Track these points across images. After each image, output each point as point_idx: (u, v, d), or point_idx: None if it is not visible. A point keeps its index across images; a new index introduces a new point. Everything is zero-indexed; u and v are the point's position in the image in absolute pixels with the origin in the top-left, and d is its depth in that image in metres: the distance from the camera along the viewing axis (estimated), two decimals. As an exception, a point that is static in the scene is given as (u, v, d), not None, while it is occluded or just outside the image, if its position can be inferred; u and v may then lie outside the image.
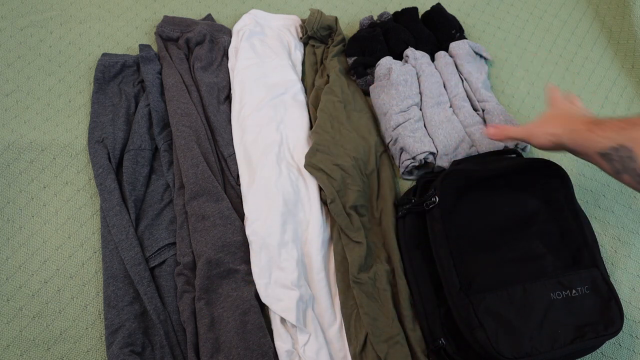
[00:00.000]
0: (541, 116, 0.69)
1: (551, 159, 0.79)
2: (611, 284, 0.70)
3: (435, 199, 0.73)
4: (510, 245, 0.72)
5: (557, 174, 0.77)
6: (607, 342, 0.77)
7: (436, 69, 0.98)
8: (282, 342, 0.70)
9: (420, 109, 0.92)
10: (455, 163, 0.84)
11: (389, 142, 0.90)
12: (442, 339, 0.68)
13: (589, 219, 0.89)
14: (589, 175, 0.94)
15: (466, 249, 0.71)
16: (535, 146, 0.67)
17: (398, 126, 0.88)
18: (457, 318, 0.67)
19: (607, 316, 0.68)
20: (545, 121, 0.67)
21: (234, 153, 0.87)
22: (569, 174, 0.77)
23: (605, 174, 0.57)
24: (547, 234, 0.74)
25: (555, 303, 0.67)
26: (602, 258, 0.73)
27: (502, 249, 0.72)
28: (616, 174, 0.51)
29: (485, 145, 0.87)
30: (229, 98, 0.95)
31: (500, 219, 0.75)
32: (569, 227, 0.74)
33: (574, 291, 0.68)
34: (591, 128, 0.55)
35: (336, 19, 1.03)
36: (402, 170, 0.88)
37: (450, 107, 0.94)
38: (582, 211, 0.77)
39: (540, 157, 0.81)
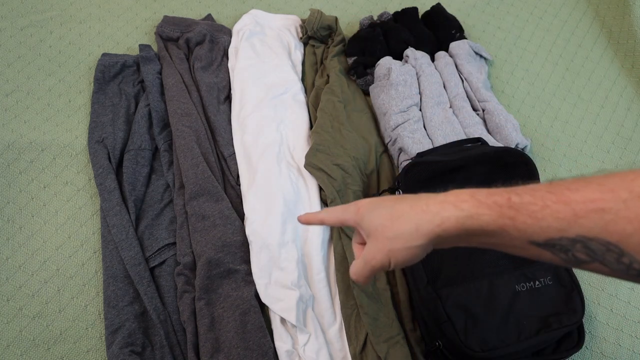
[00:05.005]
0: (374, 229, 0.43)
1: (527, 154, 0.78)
2: (573, 274, 0.71)
3: (399, 192, 0.74)
4: None
5: (523, 161, 0.76)
6: (606, 342, 0.77)
7: (436, 69, 0.98)
8: (282, 342, 0.70)
9: (420, 109, 0.93)
10: (419, 155, 0.82)
11: (388, 142, 0.90)
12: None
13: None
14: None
15: None
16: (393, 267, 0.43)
17: (397, 126, 0.88)
18: (424, 313, 0.68)
19: (570, 306, 0.68)
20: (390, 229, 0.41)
21: (234, 153, 0.87)
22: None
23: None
24: None
25: (521, 294, 0.68)
26: None
27: None
28: (575, 264, 0.35)
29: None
30: (229, 98, 0.95)
31: None
32: None
33: (537, 282, 0.69)
34: (506, 213, 0.35)
35: (336, 19, 1.03)
36: (400, 170, 0.88)
37: (450, 107, 0.94)
38: None
39: (506, 145, 0.78)
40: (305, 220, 0.51)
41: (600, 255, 0.32)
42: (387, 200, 0.43)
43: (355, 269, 0.44)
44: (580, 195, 0.32)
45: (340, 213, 0.47)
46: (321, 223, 0.49)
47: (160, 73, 0.94)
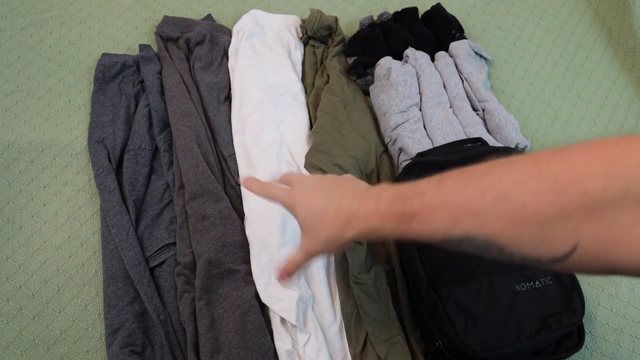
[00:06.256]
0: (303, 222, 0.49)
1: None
2: (573, 274, 0.70)
3: None
4: None
5: None
6: (606, 342, 0.77)
7: (436, 69, 0.98)
8: (282, 342, 0.70)
9: (420, 109, 0.93)
10: (419, 155, 0.83)
11: (388, 142, 0.90)
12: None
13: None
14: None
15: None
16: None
17: (397, 126, 0.88)
18: (424, 313, 0.68)
19: (570, 306, 0.68)
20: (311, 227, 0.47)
21: (234, 153, 0.87)
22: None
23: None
24: None
25: (520, 294, 0.68)
26: None
27: None
28: (472, 254, 0.38)
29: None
30: (229, 98, 0.95)
31: None
32: None
33: (537, 282, 0.69)
34: (403, 222, 0.40)
35: (336, 19, 1.03)
36: (401, 170, 0.88)
37: (450, 107, 0.94)
38: None
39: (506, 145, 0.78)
40: (247, 185, 0.56)
41: (486, 249, 0.36)
42: (317, 191, 0.49)
43: (295, 260, 0.50)
44: (459, 198, 0.36)
45: (278, 196, 0.52)
46: (259, 194, 0.55)
47: (160, 73, 0.94)
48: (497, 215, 0.34)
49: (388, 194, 0.42)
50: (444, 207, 0.37)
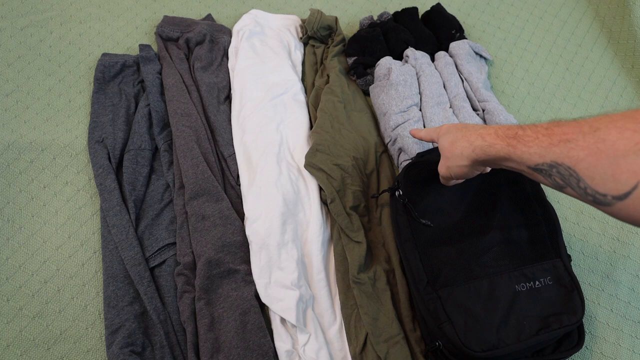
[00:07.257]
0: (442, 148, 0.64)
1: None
2: (573, 274, 0.70)
3: (399, 192, 0.74)
4: (476, 236, 0.72)
5: None
6: (606, 342, 0.77)
7: (436, 69, 0.98)
8: (282, 342, 0.70)
9: (420, 110, 0.93)
10: (419, 155, 0.82)
11: (388, 142, 0.90)
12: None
13: (589, 219, 0.89)
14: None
15: (431, 243, 0.71)
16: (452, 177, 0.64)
17: (397, 126, 0.88)
18: (424, 313, 0.68)
19: (570, 306, 0.68)
20: (449, 149, 0.61)
21: (234, 153, 0.87)
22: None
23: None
24: (512, 224, 0.74)
25: (520, 295, 0.67)
26: (565, 247, 0.73)
27: (467, 241, 0.72)
28: (558, 188, 0.45)
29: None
30: (229, 98, 0.95)
31: (465, 210, 0.74)
32: (533, 216, 0.74)
33: (537, 282, 0.69)
34: (511, 143, 0.49)
35: (336, 19, 1.03)
36: (401, 170, 0.88)
37: (450, 107, 0.94)
38: (547, 200, 0.76)
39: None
40: (413, 134, 0.74)
41: (568, 180, 0.42)
42: (454, 127, 0.62)
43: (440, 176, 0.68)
44: (560, 130, 0.43)
45: (432, 132, 0.69)
46: (420, 139, 0.74)
47: (160, 73, 0.94)
48: (584, 144, 0.40)
49: (505, 127, 0.52)
50: (547, 136, 0.44)
